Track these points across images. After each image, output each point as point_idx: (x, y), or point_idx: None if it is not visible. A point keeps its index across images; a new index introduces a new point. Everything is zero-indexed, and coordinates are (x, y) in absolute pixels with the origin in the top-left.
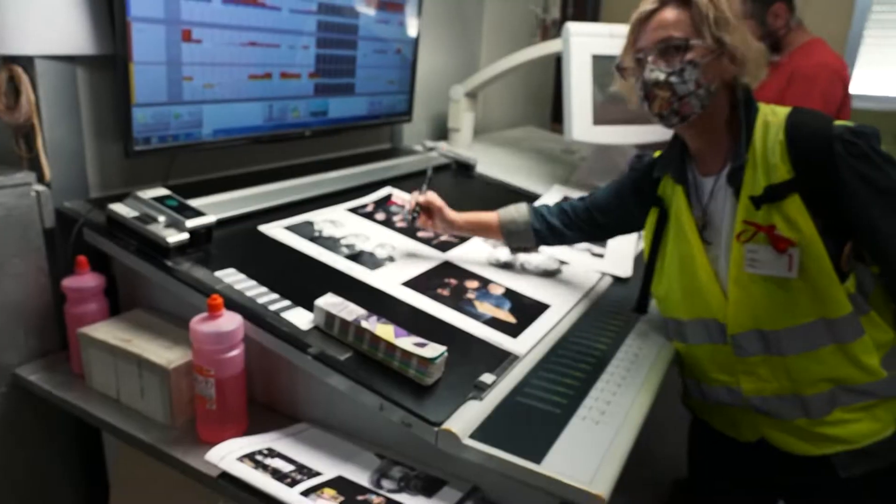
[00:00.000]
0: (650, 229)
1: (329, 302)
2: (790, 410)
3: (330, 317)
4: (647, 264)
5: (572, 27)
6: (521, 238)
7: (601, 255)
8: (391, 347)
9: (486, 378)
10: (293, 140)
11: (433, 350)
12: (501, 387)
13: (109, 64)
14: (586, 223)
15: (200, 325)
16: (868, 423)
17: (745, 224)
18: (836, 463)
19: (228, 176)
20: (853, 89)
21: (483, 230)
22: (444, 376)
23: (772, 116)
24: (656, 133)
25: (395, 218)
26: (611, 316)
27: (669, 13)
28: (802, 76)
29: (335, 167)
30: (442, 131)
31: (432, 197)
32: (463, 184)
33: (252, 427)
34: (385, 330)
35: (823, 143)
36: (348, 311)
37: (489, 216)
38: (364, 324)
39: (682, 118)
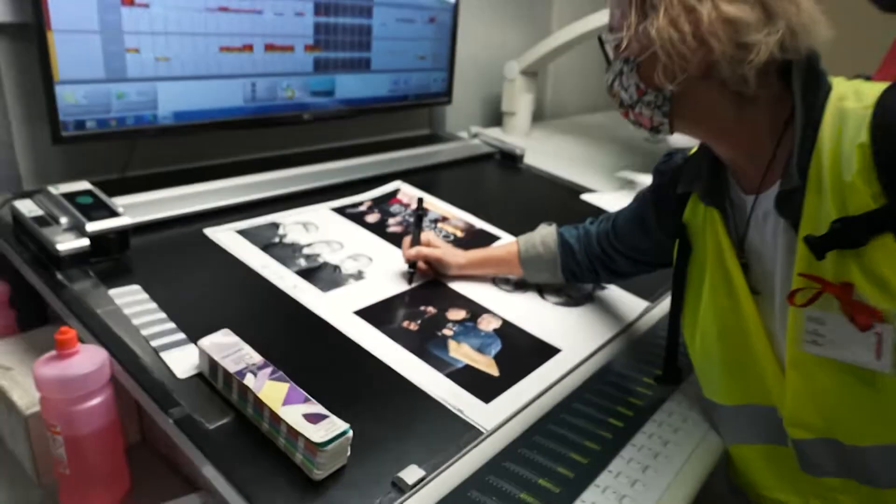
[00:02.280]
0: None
1: (217, 342)
2: None
3: (213, 364)
4: (671, 320)
5: None
6: (544, 273)
7: None
8: (276, 418)
9: (410, 474)
10: (288, 125)
11: (328, 430)
12: (439, 483)
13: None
14: (607, 258)
15: (45, 366)
16: None
17: (802, 278)
18: None
19: (204, 166)
20: None
21: (500, 265)
22: (356, 463)
23: (853, 101)
24: None
25: (391, 221)
26: (645, 365)
27: None
28: None
29: (350, 156)
30: (498, 115)
31: (426, 248)
32: (506, 175)
33: (141, 487)
34: (274, 390)
35: None
36: (237, 357)
37: (504, 249)
38: (248, 380)
39: (656, 131)
